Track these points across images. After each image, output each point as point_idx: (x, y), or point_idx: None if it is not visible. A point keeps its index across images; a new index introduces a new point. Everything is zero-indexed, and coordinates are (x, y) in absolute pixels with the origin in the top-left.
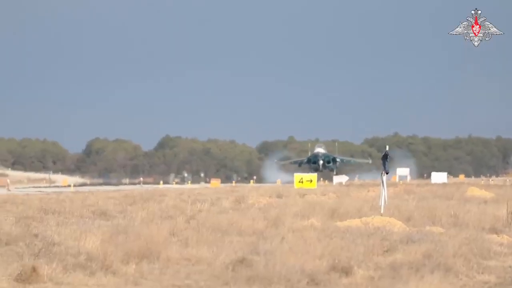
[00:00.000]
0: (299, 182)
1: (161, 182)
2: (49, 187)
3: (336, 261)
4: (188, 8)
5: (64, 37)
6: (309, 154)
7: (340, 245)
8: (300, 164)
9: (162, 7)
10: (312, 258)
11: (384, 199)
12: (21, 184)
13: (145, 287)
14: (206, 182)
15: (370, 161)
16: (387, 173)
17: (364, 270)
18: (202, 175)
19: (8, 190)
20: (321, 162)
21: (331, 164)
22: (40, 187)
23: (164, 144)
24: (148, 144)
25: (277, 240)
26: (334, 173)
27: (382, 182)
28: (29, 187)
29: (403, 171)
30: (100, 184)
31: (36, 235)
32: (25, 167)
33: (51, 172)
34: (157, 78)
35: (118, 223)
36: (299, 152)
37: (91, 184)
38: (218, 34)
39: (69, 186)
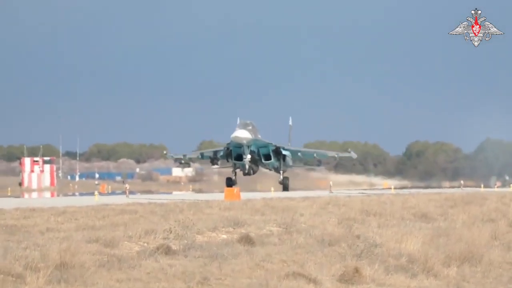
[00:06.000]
0: None
1: (482, 185)
2: (370, 189)
3: None
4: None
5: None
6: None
7: None
8: (213, 159)
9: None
10: None
11: None
12: (342, 186)
13: None
14: None
15: (355, 156)
16: None
17: None
18: None
19: (330, 192)
20: (248, 156)
21: (272, 160)
22: (361, 189)
23: (484, 147)
24: (468, 147)
25: None
26: (281, 175)
27: None
28: (351, 189)
29: None
30: (421, 187)
31: (358, 237)
32: (347, 170)
33: (373, 174)
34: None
35: (439, 225)
36: None
37: (412, 187)
38: None
39: (390, 188)
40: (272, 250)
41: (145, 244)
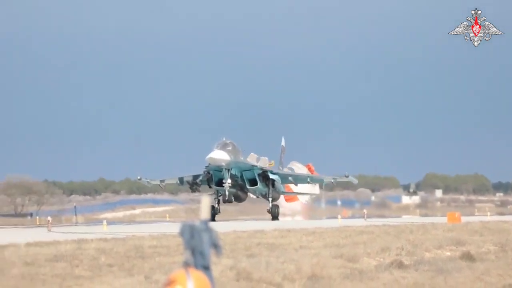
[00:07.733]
0: None
1: None
2: None
3: None
4: None
5: None
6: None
7: None
8: (192, 184)
9: None
10: None
11: None
12: None
13: None
14: None
15: (355, 181)
16: None
17: None
18: None
19: None
20: (228, 181)
21: (259, 185)
22: None
23: None
24: None
25: None
26: (270, 203)
27: None
28: None
29: None
30: None
31: None
32: None
33: None
34: None
35: None
36: None
37: None
38: None
39: None
40: (490, 266)
41: (381, 259)
